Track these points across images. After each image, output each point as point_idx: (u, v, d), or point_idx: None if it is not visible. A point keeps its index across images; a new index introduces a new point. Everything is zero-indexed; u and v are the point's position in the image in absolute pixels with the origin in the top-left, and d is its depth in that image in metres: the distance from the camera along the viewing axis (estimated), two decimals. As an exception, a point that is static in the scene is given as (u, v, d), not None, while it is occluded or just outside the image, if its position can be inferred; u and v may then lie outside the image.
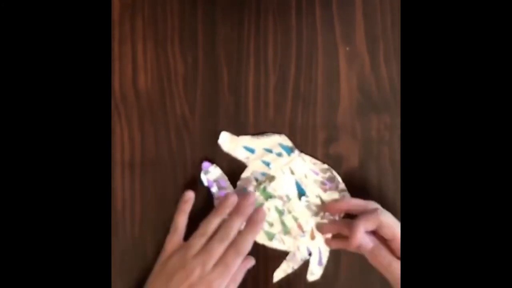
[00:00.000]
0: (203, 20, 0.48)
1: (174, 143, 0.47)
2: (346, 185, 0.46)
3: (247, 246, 0.41)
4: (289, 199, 0.45)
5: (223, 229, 0.41)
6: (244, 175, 0.46)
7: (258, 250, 0.45)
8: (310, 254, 0.45)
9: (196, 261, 0.40)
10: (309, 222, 0.45)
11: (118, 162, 0.47)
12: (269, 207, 0.45)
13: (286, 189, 0.45)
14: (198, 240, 0.41)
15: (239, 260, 0.40)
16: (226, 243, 0.40)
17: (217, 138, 0.46)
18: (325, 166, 0.46)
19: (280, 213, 0.45)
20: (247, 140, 0.46)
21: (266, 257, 0.46)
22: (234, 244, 0.41)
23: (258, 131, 0.47)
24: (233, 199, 0.43)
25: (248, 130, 0.47)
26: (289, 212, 0.45)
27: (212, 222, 0.42)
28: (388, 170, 0.46)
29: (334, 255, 0.45)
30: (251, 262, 0.44)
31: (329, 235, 0.45)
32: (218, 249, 0.40)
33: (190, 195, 0.45)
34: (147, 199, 0.47)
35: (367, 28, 0.47)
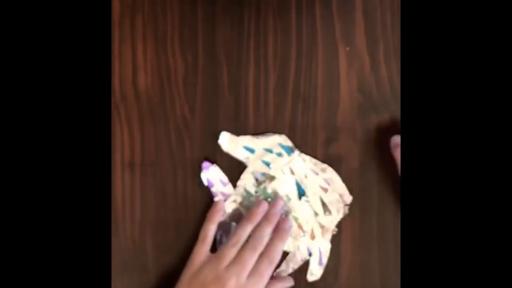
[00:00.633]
0: (203, 20, 0.48)
1: (174, 143, 0.47)
2: (346, 185, 0.46)
3: (279, 255, 0.41)
4: (289, 199, 0.45)
5: (255, 238, 0.41)
6: (244, 175, 0.46)
7: (258, 250, 0.45)
8: (310, 254, 0.45)
9: (230, 272, 0.39)
10: (309, 222, 0.45)
11: (118, 162, 0.47)
12: (269, 207, 0.45)
13: (286, 189, 0.45)
14: (230, 250, 0.40)
15: (271, 269, 0.41)
16: (258, 252, 0.41)
17: (217, 138, 0.46)
18: (325, 166, 0.46)
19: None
20: (247, 140, 0.46)
21: (266, 257, 0.46)
22: (266, 253, 0.41)
23: (258, 131, 0.47)
24: (264, 207, 0.43)
25: (248, 130, 0.47)
26: (289, 212, 0.45)
27: (245, 231, 0.42)
28: (388, 170, 0.46)
29: (334, 255, 0.45)
30: (290, 283, 0.44)
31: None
32: (251, 258, 0.40)
33: (221, 205, 0.45)
34: (147, 199, 0.47)
35: (367, 28, 0.47)
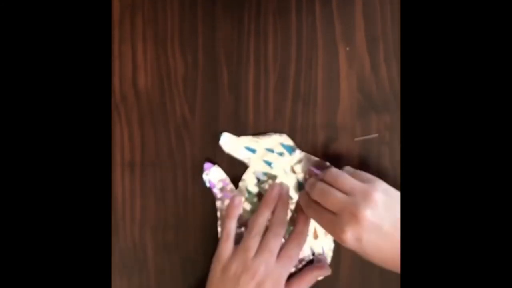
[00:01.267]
0: (203, 20, 0.48)
1: (174, 143, 0.47)
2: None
3: (305, 235, 0.43)
4: (291, 198, 0.45)
5: (276, 224, 0.42)
6: (246, 175, 0.46)
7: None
8: (313, 254, 0.45)
9: (258, 261, 0.40)
10: (312, 221, 0.45)
11: (118, 162, 0.47)
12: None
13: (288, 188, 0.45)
14: (254, 240, 0.42)
15: (300, 250, 0.42)
16: (281, 236, 0.42)
17: (217, 138, 0.46)
18: (327, 164, 0.46)
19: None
20: (248, 140, 0.46)
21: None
22: (294, 235, 0.42)
23: (258, 131, 0.47)
24: (278, 190, 0.44)
25: (248, 130, 0.47)
26: (292, 211, 0.45)
27: (263, 217, 0.43)
28: (388, 170, 0.46)
29: (334, 255, 0.45)
30: (328, 272, 0.45)
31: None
32: (276, 244, 0.41)
33: (239, 200, 0.45)
34: (147, 199, 0.47)
35: (367, 28, 0.47)
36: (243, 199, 0.45)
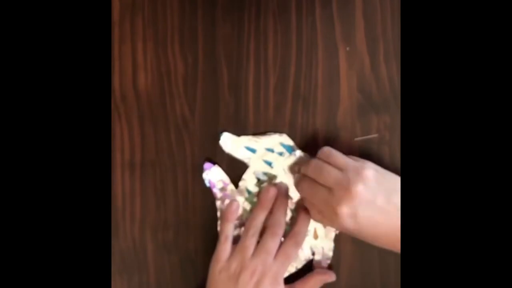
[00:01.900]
0: (203, 20, 0.48)
1: (174, 143, 0.47)
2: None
3: (304, 234, 0.43)
4: (291, 198, 0.45)
5: (273, 225, 0.43)
6: (246, 175, 0.46)
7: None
8: (313, 254, 0.45)
9: (256, 260, 0.41)
10: (312, 221, 0.45)
11: (118, 162, 0.47)
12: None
13: (288, 188, 0.45)
14: (251, 240, 0.42)
15: (298, 249, 0.43)
16: (279, 236, 0.42)
17: (217, 138, 0.46)
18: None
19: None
20: (248, 140, 0.46)
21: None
22: (292, 234, 0.43)
23: (258, 131, 0.47)
24: (274, 192, 0.44)
25: (248, 130, 0.47)
26: (292, 211, 0.45)
27: (259, 218, 0.43)
28: (388, 170, 0.46)
29: (334, 255, 0.45)
30: (332, 278, 0.45)
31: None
32: (274, 244, 0.42)
33: (236, 205, 0.45)
34: (147, 199, 0.47)
35: (367, 28, 0.47)
36: (241, 202, 0.45)
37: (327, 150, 0.41)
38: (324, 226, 0.45)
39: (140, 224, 0.46)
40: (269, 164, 0.46)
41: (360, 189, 0.38)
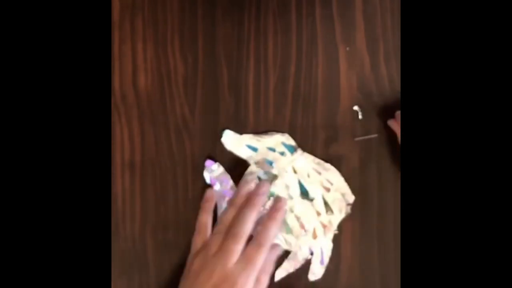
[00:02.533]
0: (203, 20, 0.48)
1: (174, 143, 0.47)
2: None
3: (269, 236, 0.39)
4: (291, 198, 0.45)
5: (235, 224, 0.40)
6: (247, 173, 0.46)
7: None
8: (312, 254, 0.45)
9: (215, 260, 0.38)
10: (311, 221, 0.45)
11: (118, 162, 0.47)
12: (270, 206, 0.45)
13: (289, 188, 0.45)
14: (216, 238, 0.40)
15: (262, 252, 0.38)
16: (241, 238, 0.39)
17: (217, 138, 0.46)
18: (328, 165, 0.46)
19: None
20: (250, 138, 0.46)
21: (266, 257, 0.46)
22: (256, 236, 0.39)
23: (258, 131, 0.47)
24: (245, 190, 0.42)
25: (248, 130, 0.47)
26: (292, 211, 0.45)
27: (226, 217, 0.41)
28: (388, 170, 0.46)
29: (334, 255, 0.45)
30: (279, 249, 0.43)
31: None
32: (234, 245, 0.38)
33: (210, 194, 0.45)
34: (147, 199, 0.47)
35: (367, 28, 0.47)
36: (215, 192, 0.45)
37: None
38: (323, 227, 0.45)
39: (140, 224, 0.46)
40: (270, 163, 0.46)
41: None
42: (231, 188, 0.46)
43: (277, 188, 0.45)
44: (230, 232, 0.39)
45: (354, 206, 0.46)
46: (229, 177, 0.46)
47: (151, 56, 0.47)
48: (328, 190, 0.46)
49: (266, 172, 0.46)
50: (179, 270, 0.44)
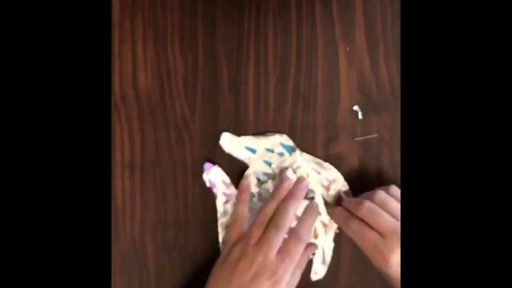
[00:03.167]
0: (203, 20, 0.48)
1: (174, 143, 0.47)
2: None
3: (307, 233, 0.41)
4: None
5: (278, 216, 0.41)
6: (246, 175, 0.46)
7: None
8: (313, 253, 0.45)
9: (257, 250, 0.39)
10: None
11: (118, 162, 0.47)
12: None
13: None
14: (257, 229, 0.41)
15: (301, 247, 0.40)
16: (282, 229, 0.40)
17: (217, 138, 0.46)
18: (327, 165, 0.46)
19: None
20: (248, 140, 0.46)
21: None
22: (294, 230, 0.41)
23: (258, 131, 0.47)
24: (289, 183, 0.43)
25: (248, 130, 0.47)
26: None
27: (270, 208, 0.42)
28: (388, 170, 0.46)
29: (334, 255, 0.45)
30: (314, 247, 0.44)
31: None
32: (276, 236, 0.40)
33: (247, 183, 0.45)
34: (147, 199, 0.47)
35: (367, 28, 0.47)
36: (252, 182, 0.45)
37: (383, 195, 0.41)
38: (324, 226, 0.45)
39: (140, 224, 0.46)
40: (269, 164, 0.46)
41: None
42: (231, 190, 0.46)
43: (277, 188, 0.45)
44: (271, 223, 0.41)
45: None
46: (229, 180, 0.46)
47: (151, 55, 0.47)
48: (328, 189, 0.46)
49: (265, 173, 0.46)
50: (179, 269, 0.44)
